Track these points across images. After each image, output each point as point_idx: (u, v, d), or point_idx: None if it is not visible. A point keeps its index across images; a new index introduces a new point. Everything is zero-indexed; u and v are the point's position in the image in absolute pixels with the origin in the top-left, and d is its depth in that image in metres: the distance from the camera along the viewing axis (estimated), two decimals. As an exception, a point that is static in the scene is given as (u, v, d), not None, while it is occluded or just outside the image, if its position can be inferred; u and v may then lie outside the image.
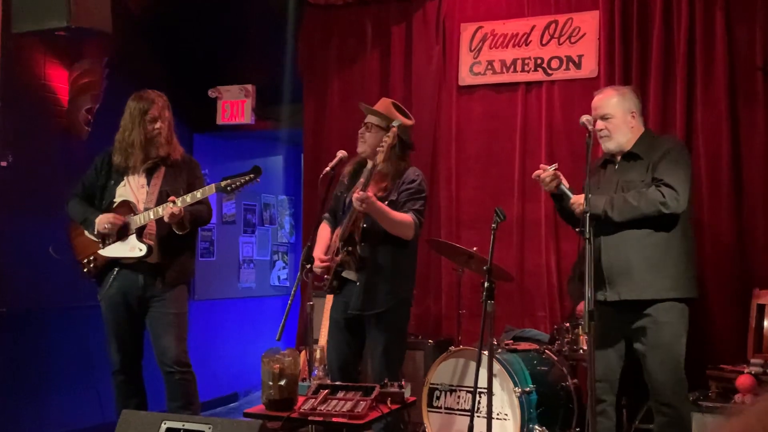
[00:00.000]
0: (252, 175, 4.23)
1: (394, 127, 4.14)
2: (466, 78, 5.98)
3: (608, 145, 4.04)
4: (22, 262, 5.26)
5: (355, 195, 4.05)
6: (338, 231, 4.32)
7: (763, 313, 4.88)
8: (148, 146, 4.47)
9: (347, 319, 4.30)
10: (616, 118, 4.00)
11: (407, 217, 4.21)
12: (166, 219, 4.28)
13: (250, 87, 6.69)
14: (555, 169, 3.98)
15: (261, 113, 6.78)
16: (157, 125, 4.46)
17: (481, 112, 5.95)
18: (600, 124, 4.01)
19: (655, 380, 3.88)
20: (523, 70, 5.80)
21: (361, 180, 4.20)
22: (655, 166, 3.89)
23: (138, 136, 4.44)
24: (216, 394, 7.00)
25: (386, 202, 4.19)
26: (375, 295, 4.21)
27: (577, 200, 3.87)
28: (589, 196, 3.69)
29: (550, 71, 5.71)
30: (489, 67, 5.90)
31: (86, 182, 4.61)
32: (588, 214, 3.60)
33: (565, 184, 3.97)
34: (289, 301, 3.81)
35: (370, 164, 4.28)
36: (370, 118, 4.39)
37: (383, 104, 4.44)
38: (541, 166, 4.06)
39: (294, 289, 3.91)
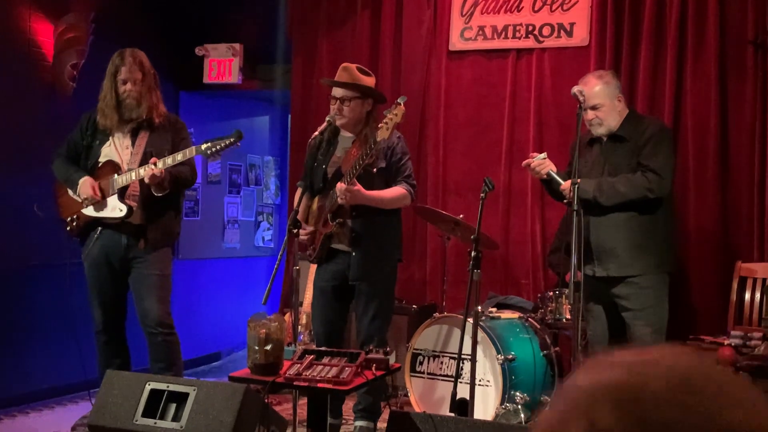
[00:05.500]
0: (232, 139, 4.18)
1: (401, 104, 3.89)
2: (456, 43, 5.92)
3: (599, 131, 4.17)
4: (6, 219, 5.21)
5: (338, 186, 3.99)
6: (318, 201, 4.28)
7: (744, 286, 4.93)
8: (121, 108, 4.40)
9: (335, 287, 4.29)
10: (606, 105, 4.11)
11: (399, 191, 4.19)
12: (146, 180, 4.24)
13: (237, 46, 6.60)
14: (544, 158, 4.14)
15: (248, 73, 6.71)
16: (127, 87, 4.37)
17: (470, 78, 5.91)
18: (590, 114, 4.11)
19: (642, 343, 3.95)
20: (514, 37, 5.75)
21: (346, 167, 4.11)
22: (640, 150, 4.05)
23: (110, 97, 4.39)
24: (199, 352, 7.01)
25: (375, 170, 4.16)
26: (373, 263, 4.22)
27: (567, 186, 3.99)
28: (578, 168, 3.88)
29: (541, 38, 5.67)
30: (480, 32, 5.85)
31: (71, 141, 4.56)
32: (577, 186, 3.83)
33: (553, 170, 4.11)
34: (275, 267, 3.80)
35: (346, 134, 4.26)
36: (345, 92, 4.18)
37: (348, 73, 4.22)
38: (531, 154, 4.21)
39: (280, 254, 3.89)
